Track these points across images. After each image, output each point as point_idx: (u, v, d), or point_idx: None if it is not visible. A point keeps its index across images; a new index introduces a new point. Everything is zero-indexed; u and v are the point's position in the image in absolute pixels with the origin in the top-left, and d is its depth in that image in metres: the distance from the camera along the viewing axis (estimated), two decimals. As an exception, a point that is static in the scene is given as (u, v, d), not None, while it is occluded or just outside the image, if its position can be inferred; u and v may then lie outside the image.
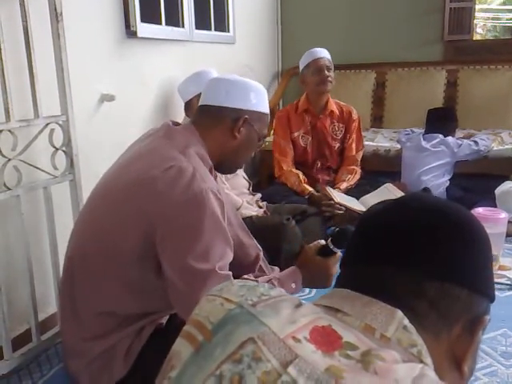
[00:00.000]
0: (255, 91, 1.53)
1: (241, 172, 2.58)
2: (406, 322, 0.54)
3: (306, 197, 2.90)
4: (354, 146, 3.15)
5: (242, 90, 1.51)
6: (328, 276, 1.55)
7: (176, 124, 1.56)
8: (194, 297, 1.22)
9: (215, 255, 1.32)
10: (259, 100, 1.53)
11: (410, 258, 0.58)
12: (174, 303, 1.36)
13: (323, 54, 3.02)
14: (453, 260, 0.58)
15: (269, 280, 1.48)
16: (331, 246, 1.50)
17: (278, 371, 0.49)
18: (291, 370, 0.48)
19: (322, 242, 1.57)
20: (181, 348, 0.59)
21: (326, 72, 2.96)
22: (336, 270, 1.53)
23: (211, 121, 1.51)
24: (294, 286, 1.54)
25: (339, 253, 1.51)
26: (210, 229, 1.31)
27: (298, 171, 3.04)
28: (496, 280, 0.64)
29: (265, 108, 1.56)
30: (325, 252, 1.53)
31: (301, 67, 3.07)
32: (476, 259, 0.60)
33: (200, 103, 1.56)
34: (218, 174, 1.68)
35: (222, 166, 1.57)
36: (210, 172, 1.47)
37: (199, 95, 2.06)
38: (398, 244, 0.59)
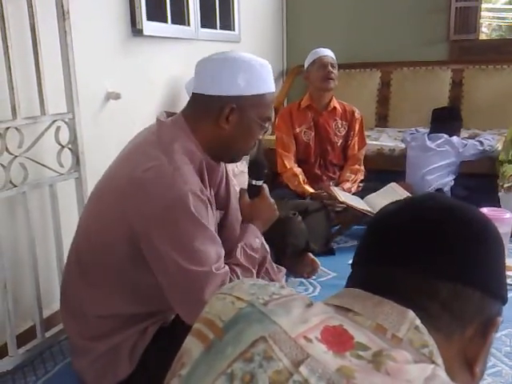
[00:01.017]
0: (245, 72, 1.33)
1: (245, 169, 2.58)
2: (418, 322, 0.54)
3: (307, 199, 2.91)
4: (356, 145, 3.17)
5: (228, 73, 1.33)
6: (270, 207, 1.64)
7: (170, 115, 1.47)
8: (196, 301, 1.21)
9: (206, 256, 1.29)
10: (251, 81, 1.34)
11: (423, 259, 0.58)
12: (176, 307, 1.34)
13: (328, 52, 3.11)
14: (465, 261, 0.58)
15: (242, 251, 1.47)
16: (253, 182, 1.64)
17: (290, 370, 0.49)
18: (303, 369, 0.48)
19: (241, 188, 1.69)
20: (191, 346, 0.59)
21: (330, 68, 3.02)
22: (271, 198, 1.65)
23: (198, 111, 1.39)
24: (257, 240, 1.54)
25: (263, 185, 1.65)
26: (191, 231, 1.28)
27: (299, 171, 3.04)
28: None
29: (260, 88, 1.36)
30: (253, 192, 1.64)
31: (306, 65, 3.14)
32: (489, 261, 0.60)
33: (192, 90, 1.44)
34: (227, 167, 1.64)
35: (221, 156, 1.47)
36: (201, 166, 1.39)
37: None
38: (410, 245, 0.59)
